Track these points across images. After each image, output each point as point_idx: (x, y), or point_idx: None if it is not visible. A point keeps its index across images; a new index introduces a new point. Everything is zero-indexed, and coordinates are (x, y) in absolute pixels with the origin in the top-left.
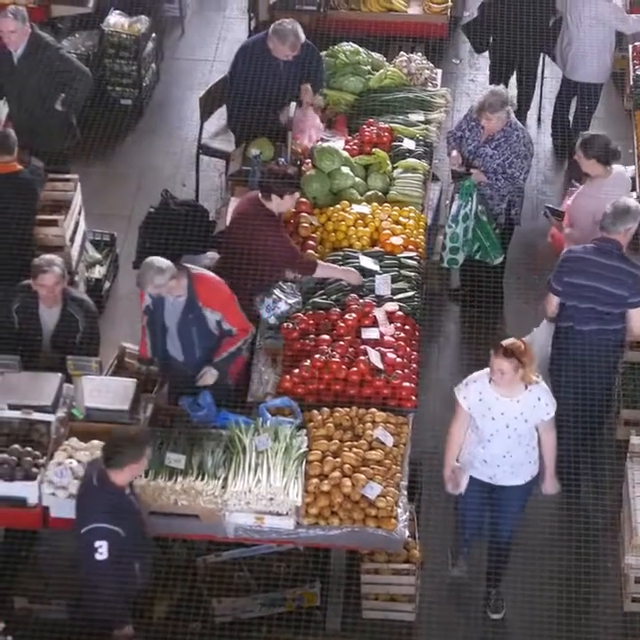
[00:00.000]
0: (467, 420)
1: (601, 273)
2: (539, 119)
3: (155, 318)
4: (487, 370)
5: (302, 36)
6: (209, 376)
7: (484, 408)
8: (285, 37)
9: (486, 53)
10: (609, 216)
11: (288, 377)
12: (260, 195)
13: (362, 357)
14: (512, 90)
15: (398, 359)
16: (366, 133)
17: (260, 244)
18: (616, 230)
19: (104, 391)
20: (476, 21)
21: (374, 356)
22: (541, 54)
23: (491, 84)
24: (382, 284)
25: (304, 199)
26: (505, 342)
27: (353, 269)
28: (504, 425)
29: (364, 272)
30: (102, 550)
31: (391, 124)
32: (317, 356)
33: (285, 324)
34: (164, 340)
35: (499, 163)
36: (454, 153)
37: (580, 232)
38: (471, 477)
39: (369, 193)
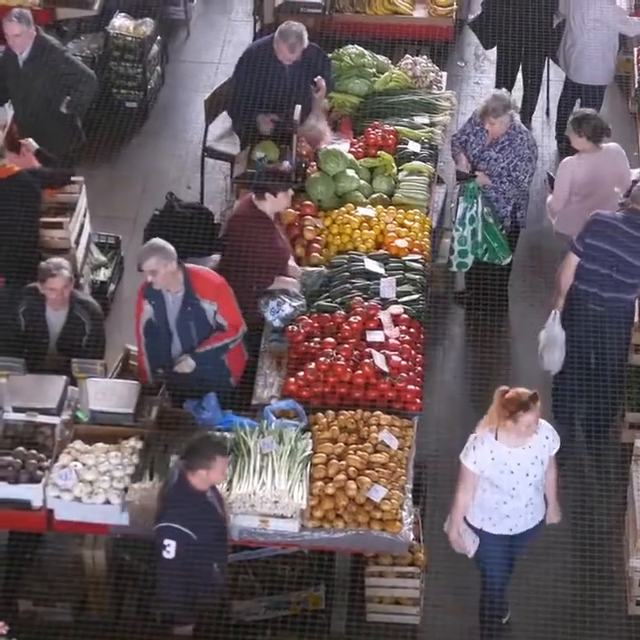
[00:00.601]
0: (475, 484)
1: (625, 242)
2: (546, 116)
3: (159, 327)
4: (487, 428)
5: (305, 41)
6: (185, 364)
7: (500, 465)
8: (287, 37)
9: (492, 53)
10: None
11: (293, 380)
12: (253, 196)
13: (367, 360)
14: (517, 90)
15: (403, 362)
16: (371, 136)
17: (253, 247)
18: None
19: (109, 394)
20: (481, 18)
21: (379, 359)
22: (546, 55)
23: (497, 82)
24: (387, 287)
25: (309, 202)
26: (522, 394)
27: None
28: (524, 474)
29: (370, 275)
30: (170, 549)
31: (396, 127)
32: (322, 358)
33: (290, 327)
34: (169, 345)
35: (503, 166)
36: (463, 156)
37: (556, 200)
38: (491, 534)
39: (374, 196)
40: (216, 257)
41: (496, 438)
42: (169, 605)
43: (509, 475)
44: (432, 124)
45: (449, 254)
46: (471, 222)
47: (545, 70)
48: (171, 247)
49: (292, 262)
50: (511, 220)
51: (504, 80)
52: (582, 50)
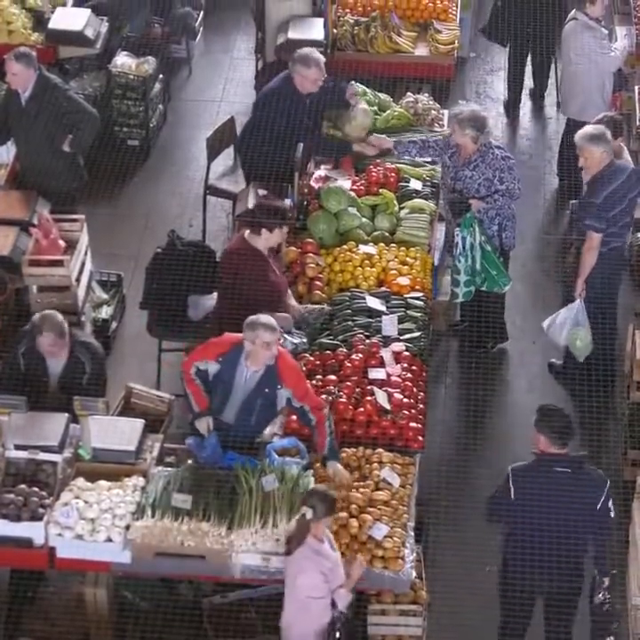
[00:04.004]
0: None
1: (632, 186)
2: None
3: (214, 387)
4: None
5: (322, 57)
6: (339, 470)
7: None
8: (309, 61)
9: (493, 91)
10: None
11: (295, 417)
12: (247, 232)
13: (368, 398)
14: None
15: (405, 399)
16: (373, 174)
17: (247, 282)
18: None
19: (111, 432)
20: (490, 22)
21: (381, 397)
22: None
23: (509, 70)
24: (389, 325)
25: (311, 240)
26: None
27: (286, 315)
28: None
29: (371, 312)
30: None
31: (398, 165)
32: (324, 396)
33: None
34: (221, 409)
35: (479, 182)
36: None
37: None
38: None
39: (376, 233)
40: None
41: None
42: None
43: None
44: (433, 162)
45: (453, 286)
46: (471, 250)
47: (554, 55)
48: (274, 323)
49: (292, 301)
50: (498, 240)
51: (513, 65)
52: (569, 84)
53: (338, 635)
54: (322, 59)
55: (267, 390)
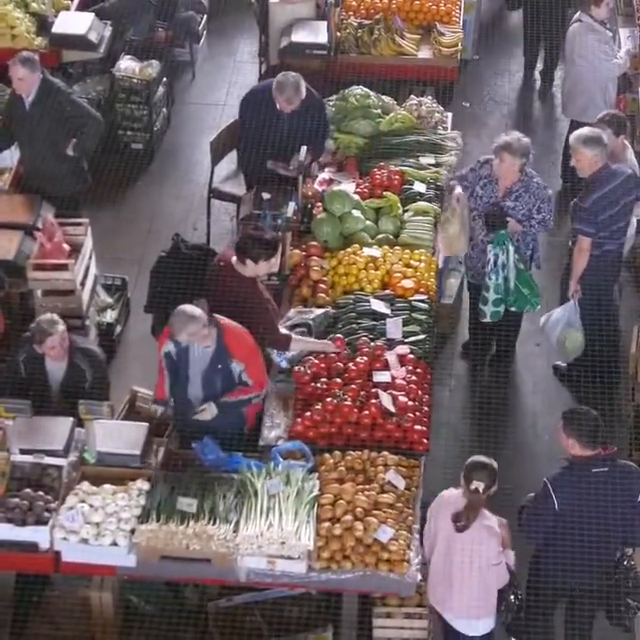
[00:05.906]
0: None
1: (626, 189)
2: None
3: (177, 367)
4: None
5: (303, 92)
6: (208, 412)
7: None
8: (283, 88)
9: (497, 94)
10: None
11: (300, 420)
12: (234, 259)
13: (373, 400)
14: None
15: (410, 402)
16: (377, 176)
17: (241, 308)
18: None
19: (116, 435)
20: None
21: (386, 399)
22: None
23: (525, 42)
24: (393, 328)
25: (315, 243)
26: None
27: (328, 342)
28: None
29: (376, 315)
30: None
31: (402, 168)
32: (329, 399)
33: (297, 368)
34: (186, 387)
35: (523, 213)
36: (459, 190)
37: None
38: None
39: (380, 236)
40: None
41: None
42: None
43: None
44: (438, 165)
45: (481, 304)
46: (503, 269)
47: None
48: (197, 311)
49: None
50: (531, 262)
51: (530, 41)
52: (572, 85)
53: (519, 594)
54: (298, 95)
55: (219, 366)
